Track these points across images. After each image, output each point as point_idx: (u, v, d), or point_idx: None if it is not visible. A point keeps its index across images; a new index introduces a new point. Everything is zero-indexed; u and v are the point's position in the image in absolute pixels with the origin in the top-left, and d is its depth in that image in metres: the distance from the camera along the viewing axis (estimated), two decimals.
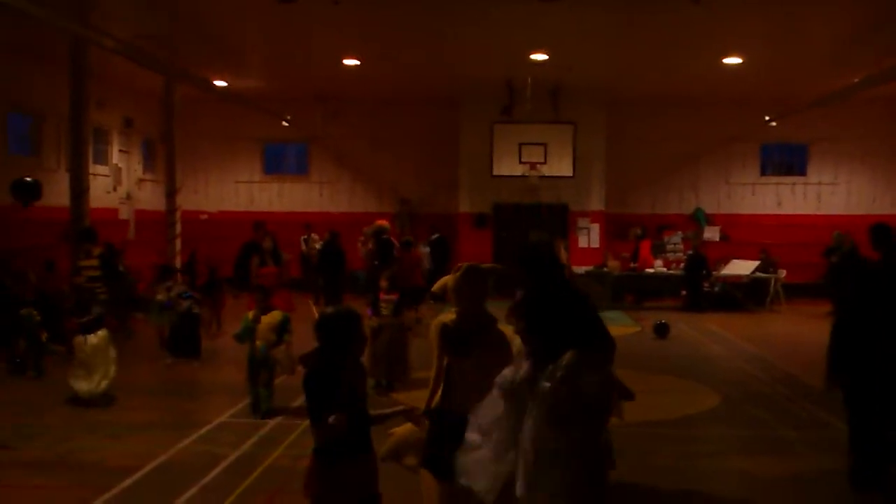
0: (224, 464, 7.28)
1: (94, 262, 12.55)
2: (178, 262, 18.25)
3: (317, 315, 4.46)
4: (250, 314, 9.07)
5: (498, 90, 20.50)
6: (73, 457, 7.56)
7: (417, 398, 5.13)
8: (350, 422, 4.07)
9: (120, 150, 21.14)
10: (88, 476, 6.99)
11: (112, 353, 9.84)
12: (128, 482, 6.75)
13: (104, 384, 9.59)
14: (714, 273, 20.04)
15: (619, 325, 15.80)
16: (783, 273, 20.29)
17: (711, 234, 22.90)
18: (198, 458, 7.47)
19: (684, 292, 19.61)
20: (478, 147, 21.42)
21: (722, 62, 17.78)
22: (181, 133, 19.90)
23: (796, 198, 23.78)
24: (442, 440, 4.82)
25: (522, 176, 21.18)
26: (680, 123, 22.49)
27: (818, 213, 23.38)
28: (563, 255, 14.28)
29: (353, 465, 4.24)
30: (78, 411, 9.26)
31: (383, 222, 16.56)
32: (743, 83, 19.81)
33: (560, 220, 22.08)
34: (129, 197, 21.07)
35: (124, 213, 20.55)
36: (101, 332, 9.82)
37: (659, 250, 21.76)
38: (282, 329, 8.99)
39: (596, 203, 22.45)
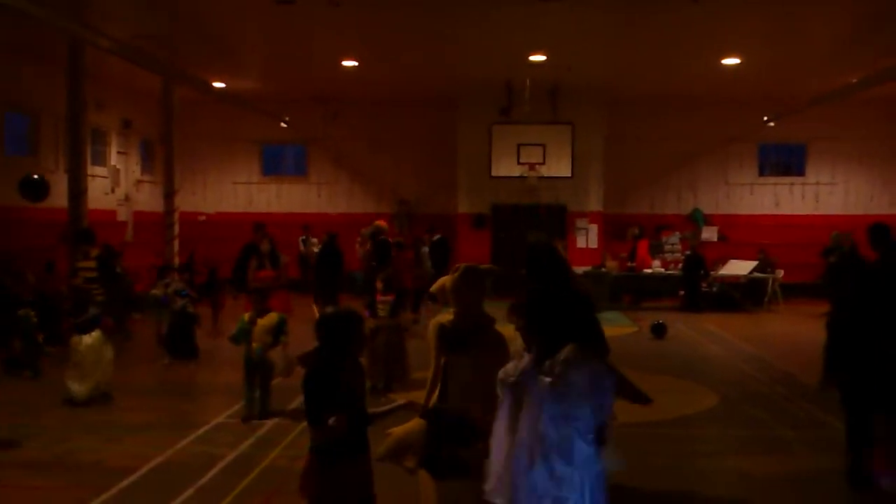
0: (221, 464, 7.28)
1: (92, 264, 12.51)
2: (176, 263, 18.24)
3: (318, 315, 4.47)
4: (246, 316, 9.07)
5: (496, 91, 20.52)
6: (71, 457, 7.56)
7: (416, 399, 5.14)
8: (349, 422, 4.08)
9: (118, 152, 21.14)
10: (86, 476, 6.99)
11: (108, 354, 9.87)
12: (125, 483, 6.75)
13: (99, 385, 9.63)
14: (712, 273, 20.05)
15: (617, 325, 15.82)
16: (781, 273, 20.31)
17: (709, 234, 22.90)
18: (195, 458, 7.47)
19: (682, 292, 19.61)
20: (476, 148, 21.43)
21: (720, 62, 17.81)
22: (179, 134, 19.92)
23: (794, 198, 23.80)
24: (440, 440, 4.82)
25: (521, 176, 21.19)
26: (678, 123, 22.50)
27: (816, 213, 23.39)
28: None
29: (350, 465, 4.25)
30: (76, 412, 9.26)
31: (381, 223, 16.52)
32: (741, 83, 19.83)
33: (558, 220, 22.07)
34: (127, 198, 21.07)
35: (122, 215, 20.54)
36: (96, 333, 9.83)
37: (657, 250, 21.78)
38: (278, 331, 8.97)
39: (594, 203, 22.45)
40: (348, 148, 23.93)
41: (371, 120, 23.26)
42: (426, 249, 19.48)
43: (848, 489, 6.62)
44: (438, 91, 21.51)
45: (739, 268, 20.36)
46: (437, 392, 5.24)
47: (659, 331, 14.93)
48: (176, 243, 19.53)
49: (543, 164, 21.12)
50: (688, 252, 20.06)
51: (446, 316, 5.40)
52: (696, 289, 19.37)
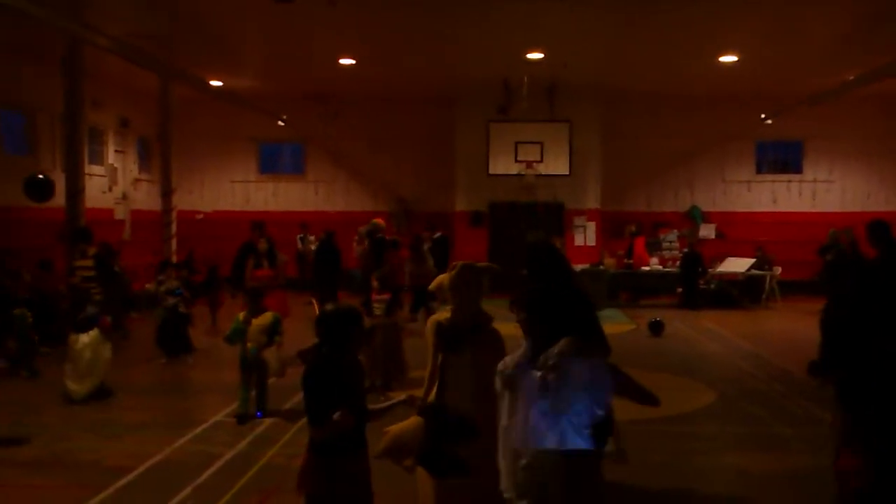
0: (219, 463, 7.29)
1: (89, 263, 12.53)
2: (174, 261, 18.23)
3: (317, 312, 4.49)
4: (241, 316, 9.05)
5: (494, 89, 20.50)
6: (70, 456, 7.57)
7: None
8: (340, 425, 4.10)
9: (116, 150, 21.10)
10: (85, 475, 7.00)
11: (106, 353, 9.94)
12: (124, 481, 6.77)
13: (95, 383, 9.68)
14: (710, 271, 20.08)
15: (615, 322, 15.83)
16: (778, 270, 20.34)
17: (707, 231, 22.93)
18: (193, 457, 7.48)
19: (680, 290, 19.63)
20: (474, 146, 21.43)
21: (718, 60, 17.80)
22: (177, 133, 19.90)
23: (792, 195, 23.80)
24: (437, 437, 4.82)
25: (518, 174, 21.21)
26: (675, 121, 22.49)
27: (813, 210, 23.40)
28: None
29: (349, 462, 4.26)
30: (74, 411, 9.28)
31: (379, 221, 16.53)
32: (739, 81, 19.84)
33: (556, 218, 22.09)
34: (124, 197, 21.04)
35: (120, 213, 20.52)
36: (94, 332, 9.88)
37: (655, 248, 21.80)
38: (272, 331, 8.94)
39: (592, 201, 22.46)
40: (346, 146, 23.91)
41: (369, 118, 23.24)
42: (427, 247, 19.48)
43: None
44: (436, 89, 21.50)
45: (737, 265, 20.38)
46: (434, 390, 5.25)
47: (656, 328, 14.95)
48: (174, 242, 19.52)
49: (541, 161, 21.15)
50: (685, 249, 20.09)
51: (444, 314, 5.41)
52: (693, 286, 19.39)
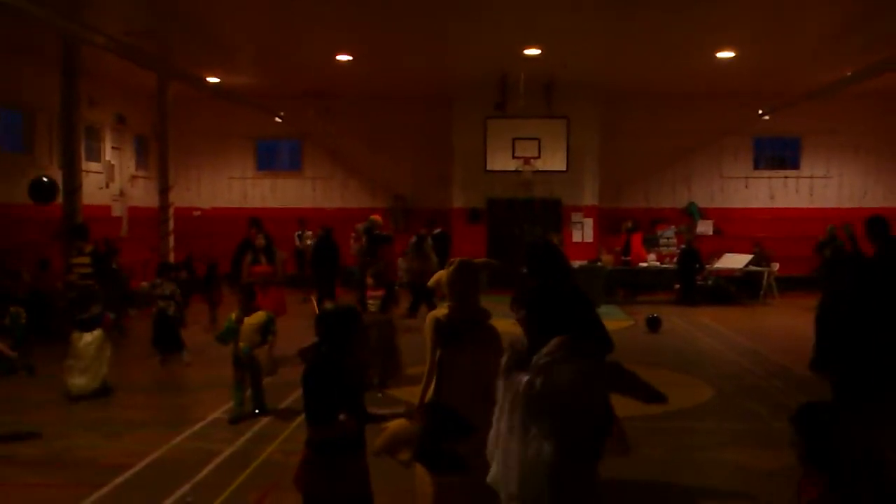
0: (218, 460, 7.29)
1: (86, 260, 12.50)
2: (171, 259, 18.22)
3: (317, 311, 4.50)
4: (233, 315, 9.01)
5: (491, 85, 20.48)
6: (68, 454, 7.57)
7: (411, 394, 5.14)
8: (345, 427, 4.11)
9: (112, 147, 21.08)
10: (83, 474, 6.99)
11: (107, 352, 10.01)
12: (121, 479, 6.77)
13: (95, 383, 9.73)
14: (707, 267, 20.08)
15: (613, 319, 15.82)
16: (776, 266, 20.36)
17: (705, 227, 22.95)
18: (191, 454, 7.48)
19: (678, 286, 19.63)
20: (471, 142, 21.41)
21: (715, 56, 17.80)
22: (174, 130, 19.87)
23: (789, 191, 23.83)
24: (435, 434, 4.82)
25: (516, 171, 21.18)
26: (673, 117, 22.48)
27: (811, 206, 23.44)
28: None
29: (347, 461, 4.26)
30: (72, 409, 9.29)
31: (376, 217, 16.51)
32: (736, 77, 19.83)
33: (553, 214, 22.10)
34: (121, 194, 21.03)
35: (117, 210, 20.51)
36: (97, 331, 9.94)
37: (652, 244, 21.82)
38: (265, 330, 8.88)
39: (589, 198, 22.45)
40: (343, 143, 23.90)
41: (366, 114, 23.24)
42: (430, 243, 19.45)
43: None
44: (433, 85, 21.49)
45: (735, 261, 20.40)
46: (432, 386, 5.24)
47: (653, 324, 14.95)
48: (171, 239, 19.50)
49: (538, 158, 21.11)
50: (683, 246, 20.09)
51: (442, 310, 5.41)
52: (691, 282, 19.40)
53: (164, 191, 19.65)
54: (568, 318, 4.28)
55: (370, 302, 10.52)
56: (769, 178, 23.92)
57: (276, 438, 7.94)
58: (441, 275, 5.48)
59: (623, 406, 5.72)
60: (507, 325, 5.08)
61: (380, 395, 9.44)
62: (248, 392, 8.90)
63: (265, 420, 8.65)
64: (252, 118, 22.75)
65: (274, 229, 16.59)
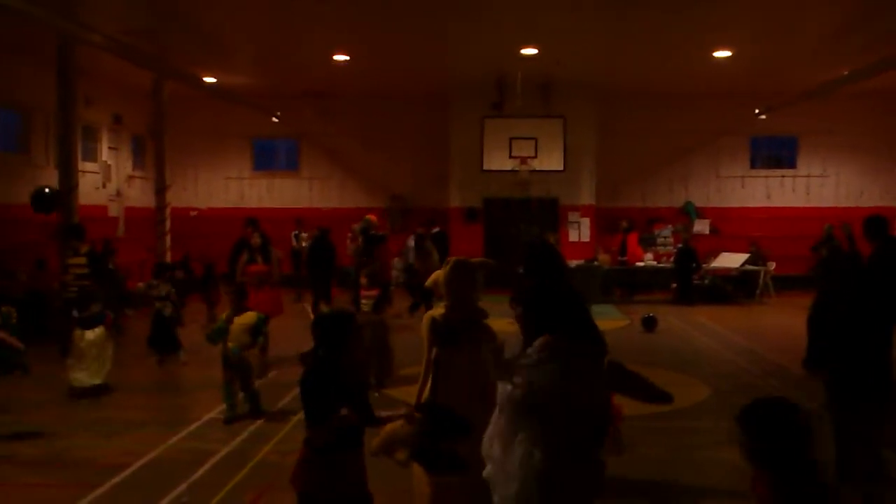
0: (213, 460, 7.29)
1: (82, 260, 12.48)
2: (167, 260, 18.21)
3: (312, 315, 4.55)
4: (223, 315, 8.99)
5: (488, 85, 20.51)
6: (67, 454, 7.58)
7: (407, 394, 5.14)
8: (345, 420, 4.12)
9: (109, 147, 21.06)
10: (80, 473, 7.00)
11: (109, 349, 10.13)
12: (118, 479, 6.77)
13: (98, 379, 9.84)
14: (704, 266, 20.09)
15: (609, 318, 15.83)
16: (773, 265, 20.38)
17: (701, 227, 22.97)
18: (187, 454, 7.48)
19: (674, 285, 19.63)
20: (468, 142, 21.40)
21: (712, 55, 17.82)
22: (171, 130, 19.87)
23: (786, 191, 23.86)
24: (432, 433, 4.82)
25: (513, 170, 21.17)
26: (670, 117, 22.50)
27: (808, 205, 23.47)
28: None
29: (346, 460, 4.27)
30: (70, 409, 9.31)
31: (372, 217, 16.50)
32: (733, 76, 19.86)
33: (550, 214, 22.12)
34: (118, 194, 21.01)
35: (114, 210, 20.49)
36: (99, 329, 10.01)
37: (649, 243, 21.83)
38: (256, 331, 8.83)
39: (586, 197, 22.46)
40: (340, 142, 23.91)
41: (363, 114, 23.24)
42: (412, 244, 19.41)
43: (836, 481, 6.64)
44: (430, 85, 21.49)
45: (731, 260, 20.42)
46: (429, 386, 5.25)
47: (649, 324, 14.94)
48: (168, 239, 19.49)
49: (535, 157, 21.09)
50: (680, 245, 20.09)
51: (439, 310, 5.41)
52: (688, 282, 19.40)
53: (160, 191, 19.64)
54: (563, 317, 4.25)
55: (364, 302, 10.49)
56: (766, 177, 23.95)
57: (271, 439, 7.93)
58: (438, 275, 5.48)
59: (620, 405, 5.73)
60: (503, 324, 5.09)
61: (376, 395, 9.44)
62: (241, 395, 8.87)
63: (261, 421, 8.64)
64: (249, 118, 22.73)
65: (271, 229, 16.59)
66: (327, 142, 23.93)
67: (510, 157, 21.12)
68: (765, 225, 22.65)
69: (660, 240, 22.25)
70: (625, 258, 20.56)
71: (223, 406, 8.92)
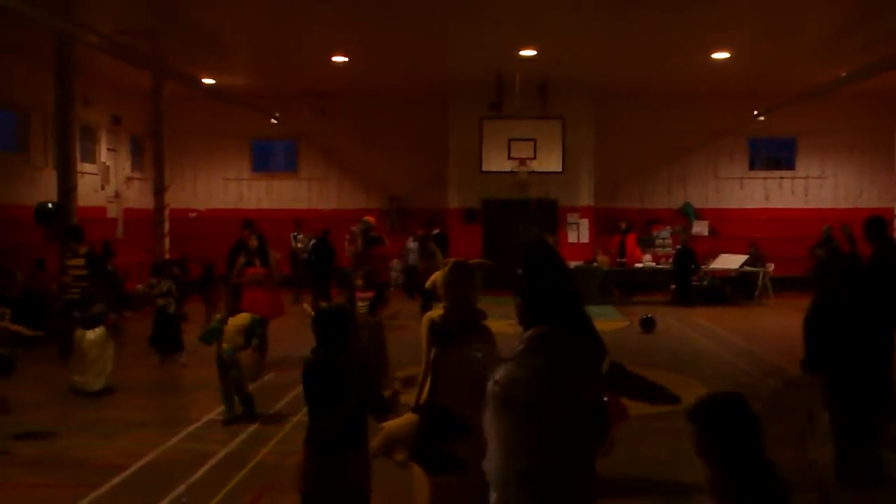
0: (213, 461, 7.29)
1: (81, 262, 12.47)
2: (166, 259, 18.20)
3: (311, 314, 4.57)
4: (218, 316, 8.98)
5: (486, 86, 20.51)
6: (67, 454, 7.59)
7: (406, 396, 5.13)
8: (346, 415, 4.14)
9: (108, 148, 21.06)
10: (79, 474, 7.00)
11: (110, 350, 10.16)
12: (117, 480, 6.78)
13: (100, 379, 9.91)
14: (703, 267, 20.10)
15: (608, 319, 15.84)
16: (771, 267, 20.39)
17: (700, 228, 22.98)
18: (187, 455, 7.49)
19: (673, 286, 19.65)
20: (467, 143, 21.39)
21: (710, 56, 17.83)
22: (169, 131, 19.83)
23: (784, 192, 23.87)
24: (431, 434, 4.82)
25: (512, 171, 21.17)
26: (669, 118, 22.52)
27: (806, 206, 23.49)
28: None
29: (349, 458, 4.29)
30: (71, 409, 9.31)
31: (370, 218, 16.52)
32: (731, 77, 19.87)
33: (549, 215, 22.11)
34: (117, 195, 20.98)
35: (112, 212, 20.44)
36: (100, 329, 10.07)
37: (648, 245, 21.84)
38: (250, 333, 8.81)
39: (585, 198, 22.47)
40: (339, 144, 23.91)
41: (362, 115, 23.24)
42: (414, 244, 19.41)
43: (834, 480, 6.64)
44: (429, 86, 21.50)
45: (730, 262, 20.43)
46: (427, 387, 5.24)
47: (647, 325, 14.94)
48: (167, 240, 19.47)
49: (534, 158, 21.09)
50: (679, 246, 20.10)
51: (438, 311, 5.41)
52: (686, 283, 19.41)
53: (159, 192, 19.61)
54: (559, 309, 4.13)
55: (360, 304, 10.48)
56: (764, 178, 23.96)
57: (270, 440, 7.93)
58: (436, 276, 5.48)
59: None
60: (502, 325, 5.09)
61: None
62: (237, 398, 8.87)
63: (260, 421, 8.63)
64: (247, 119, 22.72)
65: (269, 230, 16.59)
66: (326, 143, 23.94)
67: (509, 158, 21.11)
68: (763, 226, 22.66)
69: (658, 241, 22.27)
70: (623, 259, 20.57)
71: (222, 407, 8.91)
